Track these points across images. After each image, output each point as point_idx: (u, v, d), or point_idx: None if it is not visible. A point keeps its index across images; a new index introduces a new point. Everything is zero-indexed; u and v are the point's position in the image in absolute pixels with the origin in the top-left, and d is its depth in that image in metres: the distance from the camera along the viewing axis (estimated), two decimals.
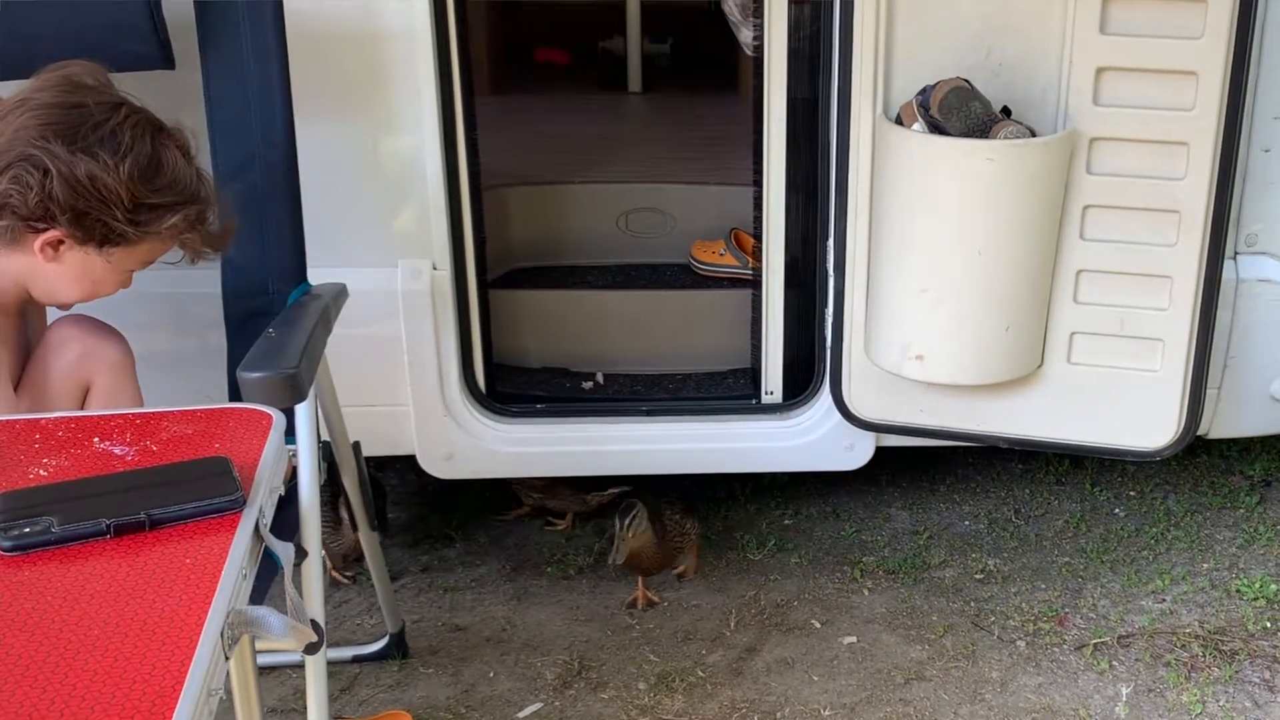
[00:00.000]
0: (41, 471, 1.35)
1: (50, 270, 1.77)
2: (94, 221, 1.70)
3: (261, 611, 1.13)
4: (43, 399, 1.87)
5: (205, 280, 2.18)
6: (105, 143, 1.68)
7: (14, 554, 1.18)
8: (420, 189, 2.54)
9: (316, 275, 2.19)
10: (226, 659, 1.09)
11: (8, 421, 1.47)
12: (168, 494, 1.25)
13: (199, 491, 1.26)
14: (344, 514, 2.63)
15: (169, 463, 1.34)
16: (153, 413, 1.50)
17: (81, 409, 1.88)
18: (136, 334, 2.05)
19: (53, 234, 1.71)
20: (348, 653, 2.60)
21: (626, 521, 2.58)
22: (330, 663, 2.57)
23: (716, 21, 4.42)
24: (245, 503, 1.27)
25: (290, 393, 1.72)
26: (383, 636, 2.60)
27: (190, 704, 0.99)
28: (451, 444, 2.72)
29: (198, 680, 1.01)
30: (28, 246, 1.73)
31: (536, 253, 3.19)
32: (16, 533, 1.19)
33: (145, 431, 1.44)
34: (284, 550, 1.28)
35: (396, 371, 2.65)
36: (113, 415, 1.48)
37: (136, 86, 2.01)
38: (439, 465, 2.76)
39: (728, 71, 4.26)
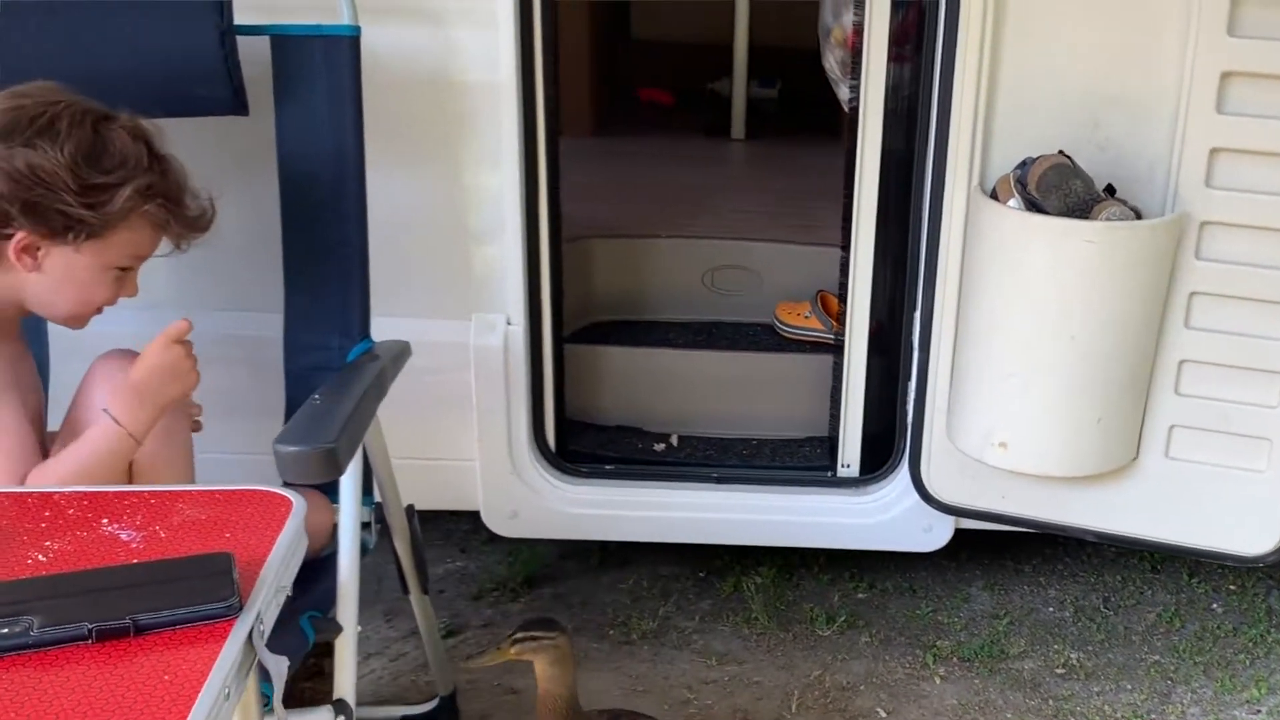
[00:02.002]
0: (41, 556, 1.29)
1: (35, 280, 1.74)
2: (47, 211, 1.67)
3: None
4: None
5: (272, 325, 2.15)
6: (43, 133, 1.66)
7: None
8: (498, 241, 2.48)
9: (387, 325, 2.14)
10: None
11: (19, 495, 1.42)
12: (159, 595, 1.18)
13: (192, 594, 1.19)
14: None
15: (167, 558, 1.27)
16: (168, 492, 1.44)
17: None
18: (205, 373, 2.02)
19: (19, 237, 1.69)
20: (398, 712, 2.54)
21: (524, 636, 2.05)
22: None
23: None
24: (241, 609, 1.20)
25: (327, 469, 1.66)
26: (435, 696, 2.53)
27: None
28: (517, 502, 2.66)
29: None
30: (6, 262, 1.71)
31: (618, 307, 3.11)
32: None
33: (157, 514, 1.38)
34: (276, 665, 1.20)
35: (465, 426, 2.59)
36: (127, 494, 1.42)
37: (208, 131, 1.98)
38: (503, 523, 2.69)
39: (835, 119, 4.15)
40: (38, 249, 1.71)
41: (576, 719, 2.07)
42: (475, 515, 2.75)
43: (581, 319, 3.03)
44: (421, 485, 2.37)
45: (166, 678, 1.10)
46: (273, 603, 1.27)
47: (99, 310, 1.83)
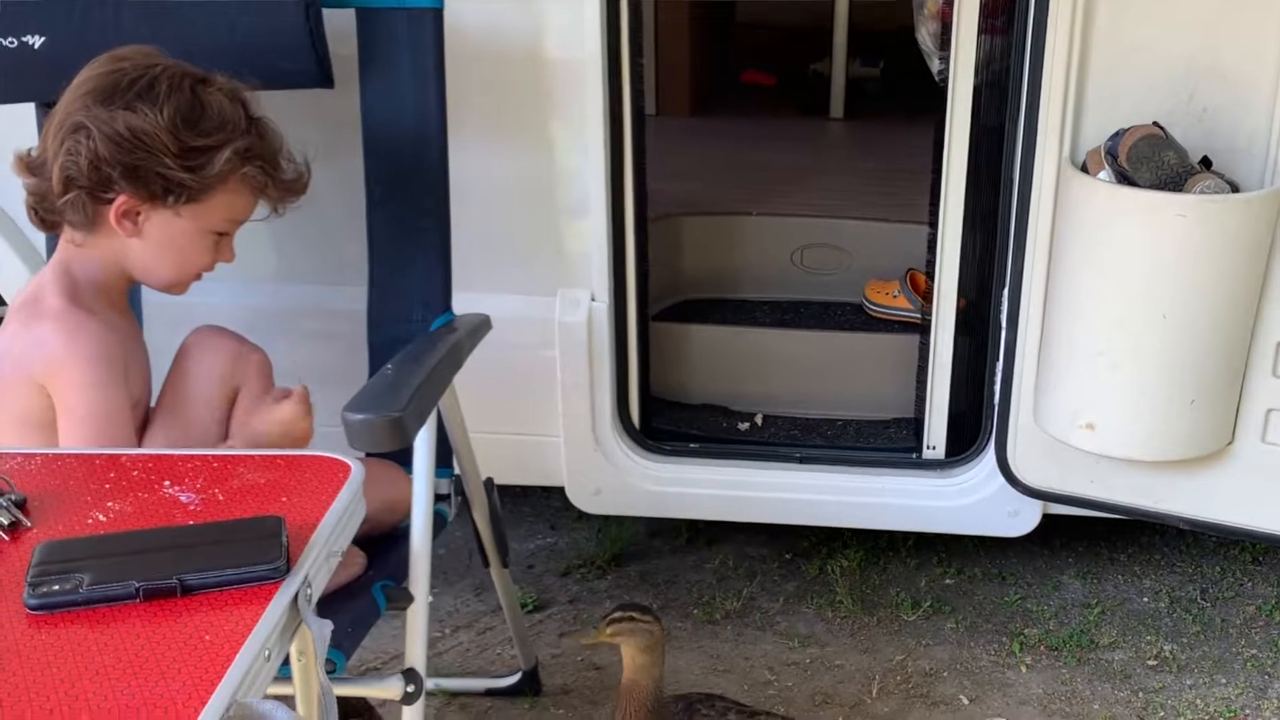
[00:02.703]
0: (101, 516, 1.31)
1: (136, 246, 1.76)
2: (148, 174, 1.69)
3: (268, 707, 1.05)
4: (187, 406, 1.86)
5: (359, 298, 2.16)
6: (143, 96, 1.68)
7: (40, 613, 1.14)
8: (583, 218, 2.48)
9: (472, 300, 2.14)
10: None
11: (87, 456, 1.45)
12: (207, 556, 1.20)
13: (240, 556, 1.20)
14: None
15: (219, 520, 1.29)
16: (231, 456, 1.45)
17: (228, 416, 1.87)
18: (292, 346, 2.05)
19: (120, 201, 1.70)
20: (481, 684, 2.56)
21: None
22: (463, 694, 2.55)
23: None
24: (288, 572, 1.20)
25: (394, 437, 1.66)
26: (518, 671, 2.54)
27: None
28: (600, 479, 2.66)
29: None
30: (107, 225, 1.73)
31: (706, 285, 3.09)
32: (45, 590, 1.15)
33: (217, 478, 1.39)
34: (320, 629, 1.21)
35: (549, 402, 2.60)
36: (191, 456, 1.44)
37: (293, 104, 2.00)
38: (587, 500, 2.69)
39: (936, 98, 4.08)
40: (138, 213, 1.73)
41: (658, 709, 2.05)
42: (565, 492, 2.76)
43: (670, 297, 3.01)
44: (507, 460, 2.38)
45: (208, 637, 1.11)
46: (323, 567, 1.27)
47: (198, 276, 1.86)
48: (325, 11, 2.05)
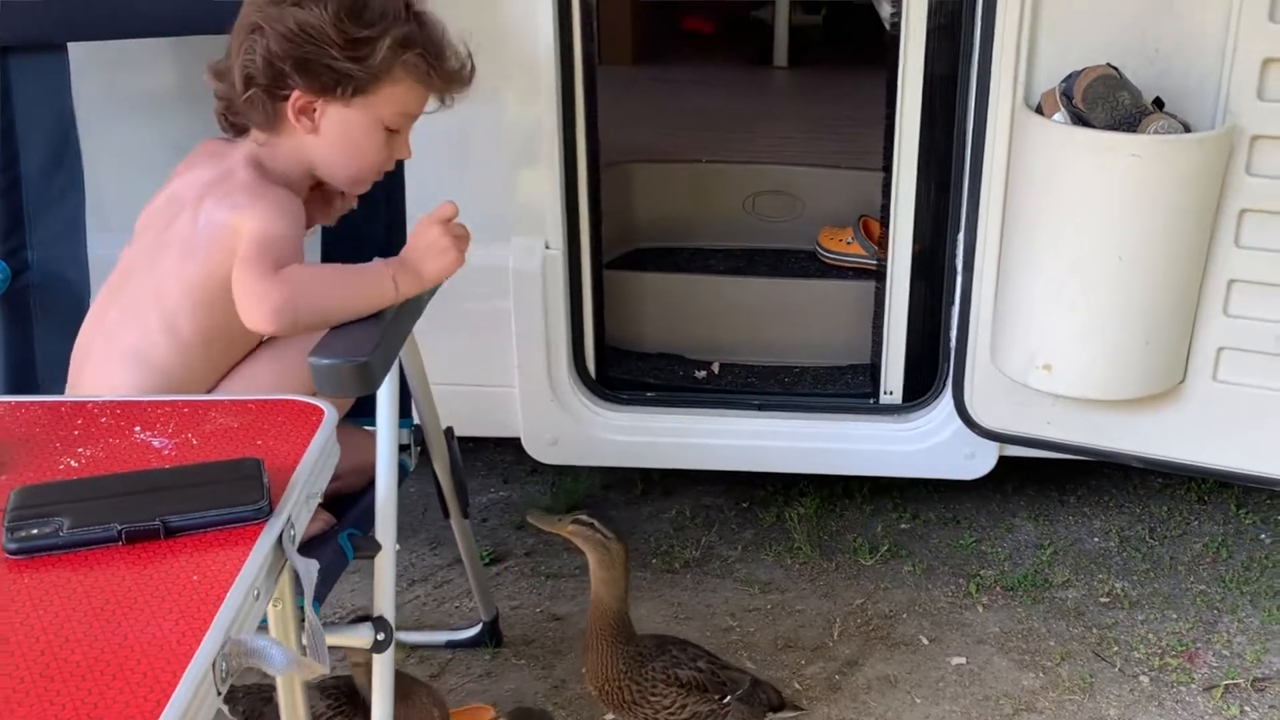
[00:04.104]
0: (73, 462, 1.29)
1: (314, 142, 1.80)
2: (318, 67, 1.73)
3: (263, 643, 1.04)
4: None
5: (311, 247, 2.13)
6: None
7: (19, 557, 1.12)
8: (536, 165, 2.46)
9: None
10: (219, 694, 1.01)
11: (53, 404, 1.42)
12: (188, 499, 1.18)
13: (222, 497, 1.19)
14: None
15: (198, 462, 1.27)
16: (201, 401, 1.43)
17: None
18: None
19: (295, 97, 1.75)
20: (441, 637, 2.55)
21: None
22: (423, 647, 2.54)
23: None
24: (271, 513, 1.19)
25: (361, 382, 1.64)
26: (478, 622, 2.54)
27: None
28: (557, 429, 2.65)
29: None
30: (288, 123, 1.78)
31: (659, 233, 3.09)
32: (24, 534, 1.13)
33: (189, 423, 1.38)
34: (306, 568, 1.20)
35: (505, 352, 2.58)
36: (161, 402, 1.42)
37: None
38: (544, 450, 2.69)
39: (881, 45, 4.08)
40: (313, 109, 1.77)
41: (626, 634, 2.07)
42: (518, 445, 2.75)
43: (623, 245, 3.00)
44: (463, 411, 2.36)
45: (195, 577, 1.10)
46: (304, 509, 1.26)
47: (379, 174, 1.89)
48: None
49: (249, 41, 1.73)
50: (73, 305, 2.15)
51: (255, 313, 1.63)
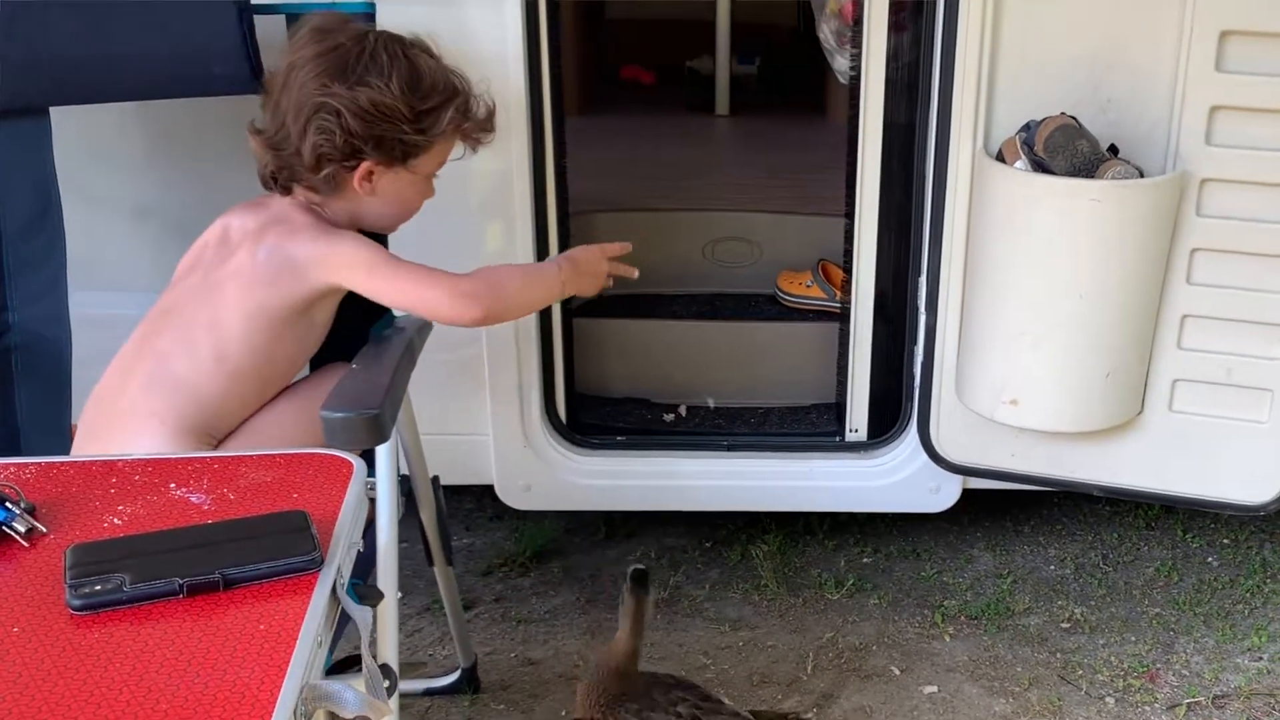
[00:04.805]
0: (116, 520, 1.32)
1: (370, 202, 1.93)
2: (392, 142, 1.87)
3: (337, 686, 1.08)
4: None
5: None
6: (370, 69, 1.83)
7: (84, 613, 1.15)
8: (508, 214, 2.50)
9: None
10: None
11: (84, 464, 1.45)
12: (243, 552, 1.21)
13: (275, 549, 1.22)
14: None
15: (245, 516, 1.30)
16: (231, 457, 1.46)
17: None
18: None
19: (364, 166, 1.87)
20: (420, 685, 2.56)
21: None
22: (402, 695, 2.55)
23: (804, 42, 4.36)
24: (323, 562, 1.23)
25: (374, 434, 1.67)
26: (455, 669, 2.56)
27: None
28: (530, 475, 2.69)
29: None
30: (349, 188, 1.90)
31: (622, 280, 3.13)
32: (87, 590, 1.16)
33: (223, 478, 1.41)
34: (362, 615, 1.24)
35: (476, 400, 2.61)
36: (191, 459, 1.45)
37: (226, 110, 2.00)
38: (517, 496, 2.72)
39: (815, 94, 4.19)
40: (372, 173, 1.89)
41: (622, 670, 2.15)
42: (480, 492, 2.78)
43: None
44: (434, 460, 2.39)
45: (262, 627, 1.13)
46: (348, 558, 1.30)
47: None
48: (256, 18, 2.06)
49: (320, 121, 1.81)
50: (54, 366, 2.16)
51: (459, 303, 1.87)
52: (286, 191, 1.92)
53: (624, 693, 2.13)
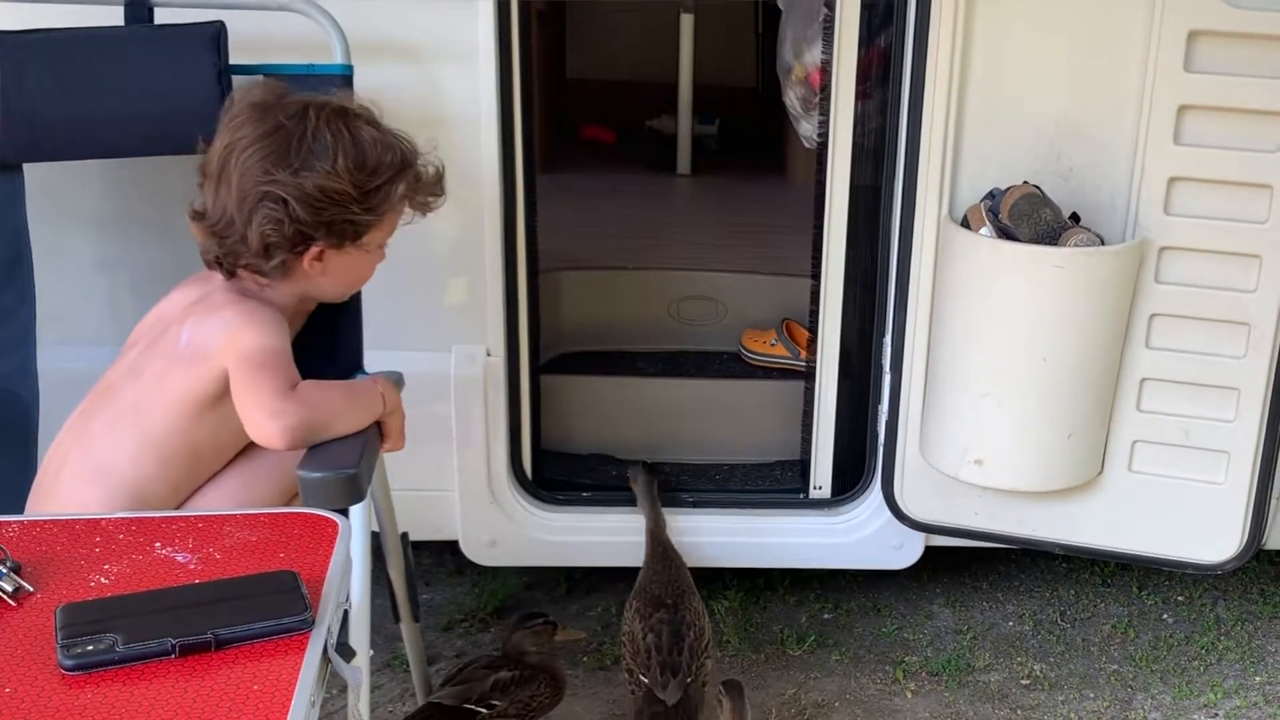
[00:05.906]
0: (103, 579, 1.32)
1: (321, 280, 1.88)
2: (342, 224, 1.81)
3: None
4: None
5: None
6: (314, 151, 1.77)
7: (76, 673, 1.15)
8: (478, 274, 2.52)
9: (370, 358, 2.18)
10: None
11: (67, 522, 1.44)
12: (234, 612, 1.22)
13: (267, 610, 1.23)
14: None
15: (235, 576, 1.31)
16: (215, 516, 1.47)
17: None
18: None
19: (314, 249, 1.82)
20: None
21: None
22: None
23: (763, 103, 4.42)
24: (314, 623, 1.23)
25: (351, 494, 1.68)
26: None
27: None
28: (495, 531, 2.70)
29: None
30: (299, 270, 1.84)
31: (587, 337, 3.17)
32: (79, 650, 1.16)
33: (208, 537, 1.41)
34: (352, 675, 1.24)
35: (444, 456, 2.62)
36: (175, 518, 1.45)
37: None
38: (482, 552, 2.72)
39: (775, 155, 4.24)
40: (323, 253, 1.84)
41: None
42: (440, 548, 2.78)
43: (552, 350, 3.07)
44: (400, 515, 2.39)
45: (256, 687, 1.14)
46: (337, 616, 1.31)
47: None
48: (235, 78, 2.07)
49: (266, 210, 1.76)
50: (21, 421, 2.14)
51: (270, 427, 1.66)
52: (231, 275, 1.86)
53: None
